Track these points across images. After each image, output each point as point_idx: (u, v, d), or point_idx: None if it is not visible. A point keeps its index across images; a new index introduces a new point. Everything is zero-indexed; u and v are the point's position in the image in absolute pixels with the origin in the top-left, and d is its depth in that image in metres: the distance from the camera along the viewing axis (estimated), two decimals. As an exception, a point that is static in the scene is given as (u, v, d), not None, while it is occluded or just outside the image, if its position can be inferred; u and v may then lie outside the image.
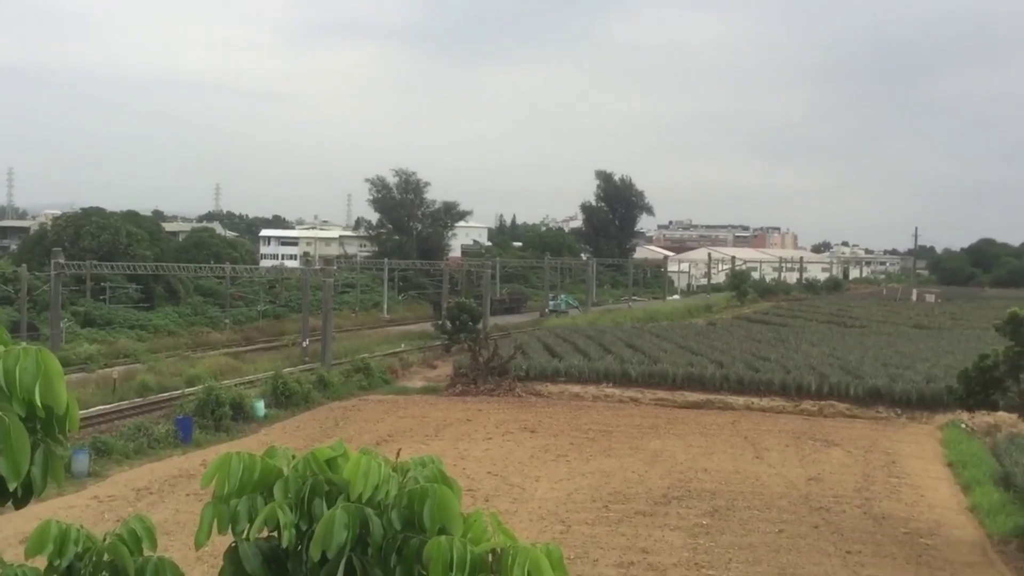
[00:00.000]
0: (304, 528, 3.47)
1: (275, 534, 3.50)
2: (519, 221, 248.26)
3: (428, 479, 3.67)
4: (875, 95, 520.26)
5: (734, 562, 20.82)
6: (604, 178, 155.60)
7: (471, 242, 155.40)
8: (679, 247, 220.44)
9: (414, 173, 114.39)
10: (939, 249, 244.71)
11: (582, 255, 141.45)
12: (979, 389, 24.36)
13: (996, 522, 24.15)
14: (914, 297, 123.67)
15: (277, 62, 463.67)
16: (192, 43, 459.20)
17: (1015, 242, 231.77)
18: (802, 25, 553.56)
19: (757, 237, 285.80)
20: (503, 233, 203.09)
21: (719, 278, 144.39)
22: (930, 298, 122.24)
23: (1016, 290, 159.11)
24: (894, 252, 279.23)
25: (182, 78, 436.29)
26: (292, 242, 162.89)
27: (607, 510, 24.83)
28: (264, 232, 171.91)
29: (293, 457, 3.73)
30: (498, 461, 30.32)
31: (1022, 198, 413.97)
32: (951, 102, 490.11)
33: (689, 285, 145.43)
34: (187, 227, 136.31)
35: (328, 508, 3.46)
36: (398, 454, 4.03)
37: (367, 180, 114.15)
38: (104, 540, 3.53)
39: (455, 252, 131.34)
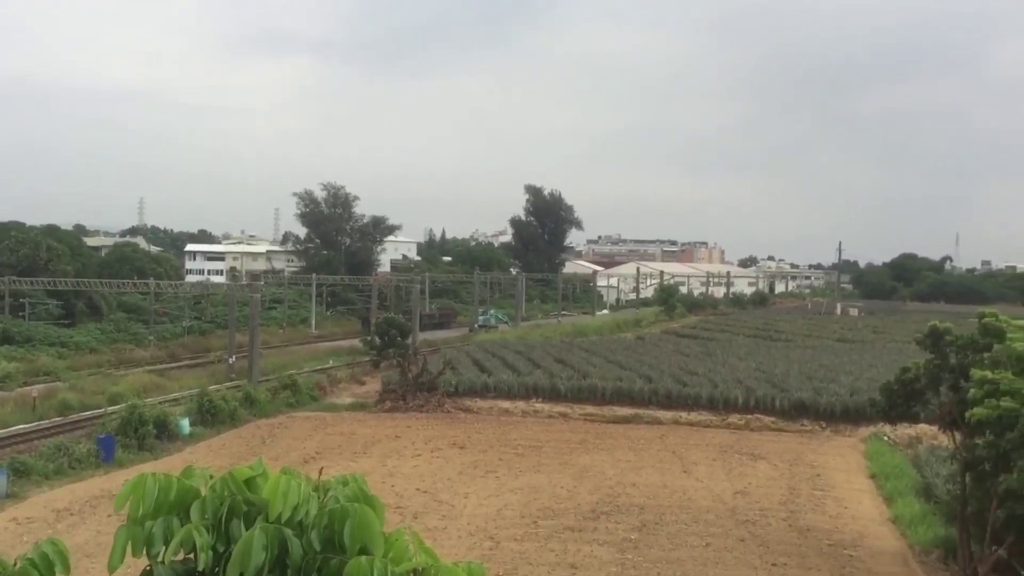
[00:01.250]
0: (222, 550, 3.41)
1: (191, 556, 3.44)
2: (448, 235, 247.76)
3: (349, 498, 3.63)
4: (802, 110, 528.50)
5: (662, 576, 20.95)
6: (534, 192, 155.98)
7: (400, 257, 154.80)
8: (608, 262, 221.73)
9: (343, 187, 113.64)
10: (862, 264, 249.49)
11: (512, 270, 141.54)
12: (901, 402, 24.76)
13: (917, 533, 24.62)
14: (838, 311, 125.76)
15: (204, 73, 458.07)
16: (116, 53, 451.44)
17: (935, 256, 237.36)
18: (731, 40, 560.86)
19: (685, 251, 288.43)
20: (432, 248, 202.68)
21: (648, 292, 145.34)
22: (853, 312, 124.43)
23: (936, 304, 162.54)
24: (819, 266, 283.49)
25: (104, 88, 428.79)
26: (218, 257, 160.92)
27: (536, 526, 24.84)
28: (189, 247, 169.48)
29: (211, 477, 3.66)
30: (427, 478, 30.19)
31: (942, 213, 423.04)
32: (875, 117, 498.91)
33: (618, 299, 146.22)
34: (110, 242, 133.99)
35: (246, 529, 3.41)
36: (320, 473, 3.99)
37: (295, 194, 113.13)
38: (15, 564, 3.44)
39: (384, 267, 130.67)
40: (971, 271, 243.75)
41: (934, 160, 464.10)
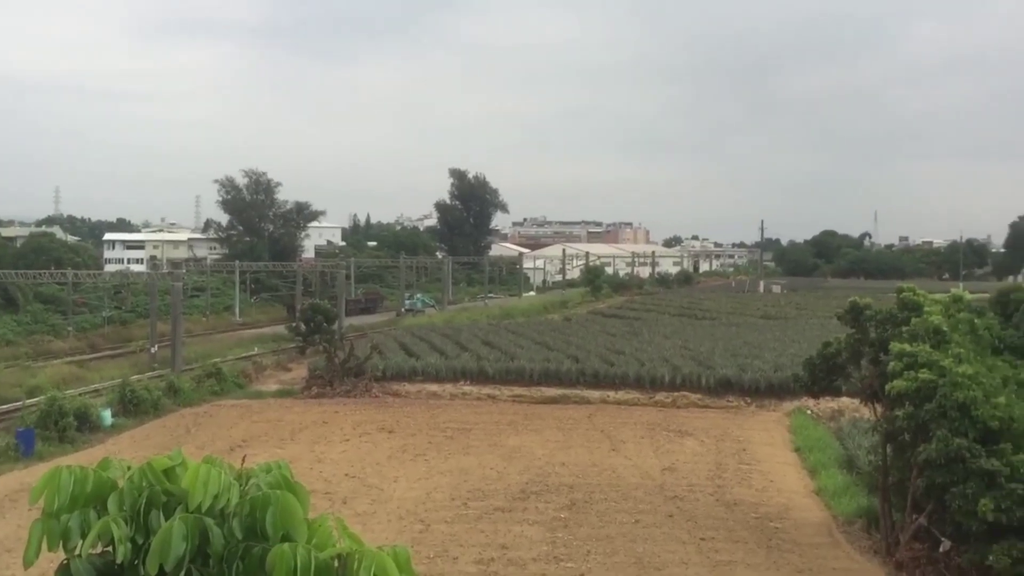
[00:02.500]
0: (141, 542, 3.35)
1: (110, 549, 3.37)
2: (374, 221, 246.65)
3: (271, 485, 3.60)
4: (726, 93, 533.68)
5: (592, 553, 21.11)
6: (458, 176, 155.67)
7: (325, 243, 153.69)
8: (534, 244, 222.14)
9: (264, 173, 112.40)
10: (784, 241, 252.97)
11: (437, 254, 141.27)
12: (823, 376, 25.19)
13: (840, 503, 25.11)
14: (761, 288, 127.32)
15: (122, 60, 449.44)
16: (31, 39, 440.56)
17: (855, 233, 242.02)
18: (657, 24, 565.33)
19: (610, 232, 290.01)
20: (357, 233, 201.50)
21: (574, 274, 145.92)
22: (776, 289, 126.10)
23: (856, 280, 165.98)
24: (742, 245, 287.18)
25: (19, 76, 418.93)
26: (138, 246, 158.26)
27: (466, 507, 24.87)
28: (108, 236, 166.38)
29: (129, 468, 3.60)
30: (356, 463, 30.06)
31: (861, 192, 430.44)
32: (797, 100, 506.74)
33: (544, 281, 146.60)
34: (25, 232, 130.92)
35: (166, 520, 3.35)
36: (243, 461, 3.94)
37: (216, 181, 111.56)
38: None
39: (308, 253, 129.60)
40: (889, 247, 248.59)
41: (853, 141, 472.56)
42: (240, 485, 3.56)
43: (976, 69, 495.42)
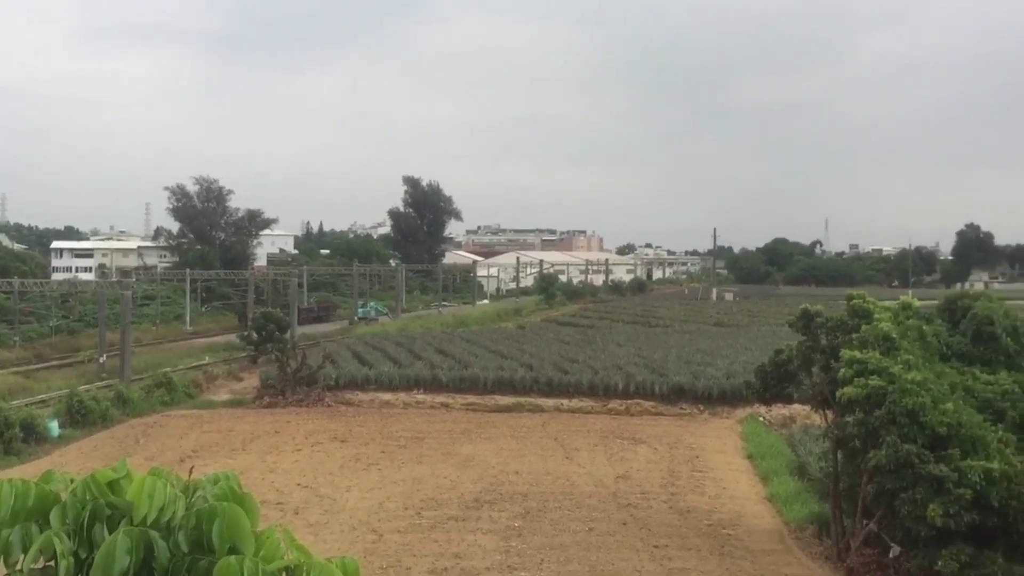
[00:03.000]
0: (84, 556, 3.30)
1: (52, 564, 3.32)
2: (327, 229, 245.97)
3: (219, 497, 3.55)
4: (680, 101, 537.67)
5: (546, 562, 21.11)
6: (412, 184, 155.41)
7: (277, 251, 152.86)
8: (488, 252, 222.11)
9: (216, 181, 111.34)
10: (736, 249, 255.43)
11: (391, 261, 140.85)
12: (775, 383, 25.40)
13: (792, 510, 25.31)
14: (714, 296, 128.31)
15: (70, 65, 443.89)
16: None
17: (806, 241, 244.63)
18: (612, 32, 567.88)
19: (564, 240, 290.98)
20: (310, 241, 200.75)
21: (528, 282, 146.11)
22: (729, 297, 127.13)
23: (807, 287, 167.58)
24: (695, 253, 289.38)
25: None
26: (87, 254, 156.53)
27: (419, 517, 24.78)
28: (56, 244, 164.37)
29: (72, 481, 3.54)
30: (308, 472, 29.86)
31: (813, 200, 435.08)
32: (749, 108, 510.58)
33: (498, 289, 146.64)
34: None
35: (110, 533, 3.30)
36: (190, 472, 3.89)
37: (166, 188, 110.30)
38: None
39: (261, 261, 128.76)
40: (840, 255, 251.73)
41: (804, 149, 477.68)
42: (187, 497, 3.52)
43: (924, 77, 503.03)
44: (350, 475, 29.67)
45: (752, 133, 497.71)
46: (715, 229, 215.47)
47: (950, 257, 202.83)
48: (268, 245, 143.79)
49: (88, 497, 3.42)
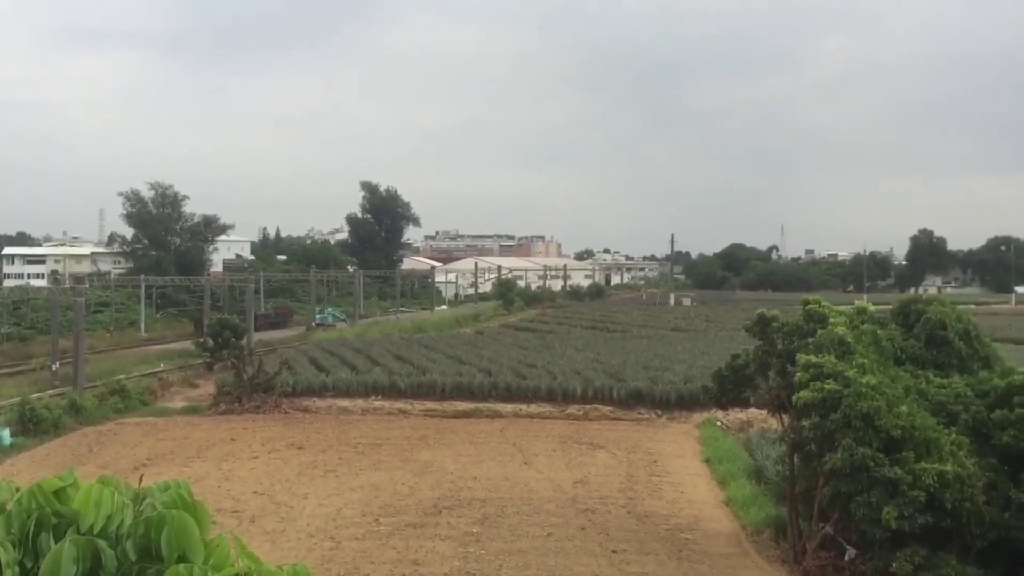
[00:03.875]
0: (29, 566, 3.24)
1: (-3, 574, 3.25)
2: (284, 234, 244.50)
3: (168, 505, 3.50)
4: (637, 105, 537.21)
5: (505, 568, 21.09)
6: (370, 189, 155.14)
7: (234, 257, 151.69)
8: (446, 257, 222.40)
9: (171, 186, 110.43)
10: (694, 254, 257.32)
11: (349, 267, 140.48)
12: (732, 388, 25.54)
13: (749, 514, 25.46)
14: (671, 301, 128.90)
15: (17, 69, 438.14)
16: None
17: (763, 246, 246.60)
18: (567, 36, 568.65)
19: (523, 246, 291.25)
20: (267, 247, 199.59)
21: (486, 287, 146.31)
22: (686, 302, 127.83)
23: (764, 292, 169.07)
24: (653, 258, 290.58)
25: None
26: (39, 260, 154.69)
27: (377, 524, 24.69)
28: (7, 250, 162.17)
29: (17, 490, 3.48)
30: (264, 480, 29.67)
31: (769, 204, 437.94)
32: (705, 112, 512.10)
33: (456, 295, 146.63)
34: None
35: (56, 542, 3.24)
36: (140, 480, 3.84)
37: (120, 194, 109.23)
38: None
39: (217, 267, 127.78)
40: (796, 260, 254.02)
41: (760, 153, 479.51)
42: (136, 505, 3.46)
43: (880, 82, 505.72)
44: (307, 482, 29.51)
45: (708, 138, 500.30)
46: (672, 234, 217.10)
47: (904, 262, 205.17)
48: (224, 251, 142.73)
49: (34, 506, 3.36)
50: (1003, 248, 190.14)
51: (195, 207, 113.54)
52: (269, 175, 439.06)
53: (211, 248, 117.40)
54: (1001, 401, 20.01)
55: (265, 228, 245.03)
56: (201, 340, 59.56)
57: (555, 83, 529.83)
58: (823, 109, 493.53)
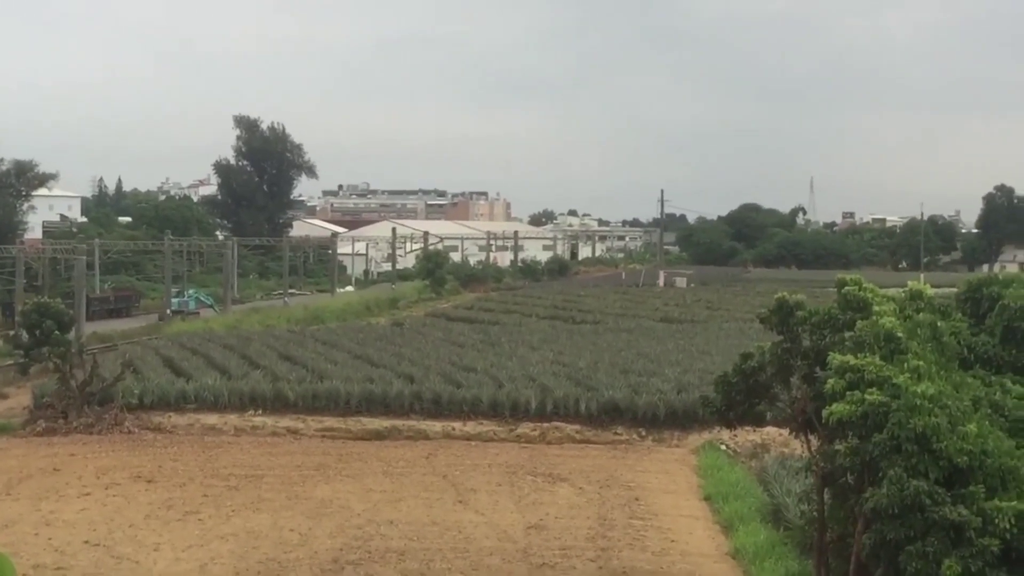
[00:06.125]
0: None
1: None
2: (128, 188, 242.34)
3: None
4: (618, 18, 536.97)
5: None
6: (247, 126, 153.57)
7: (58, 218, 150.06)
8: (354, 220, 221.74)
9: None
10: (692, 219, 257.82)
11: (219, 233, 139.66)
12: (741, 399, 25.63)
13: (764, 569, 25.67)
14: (661, 281, 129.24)
15: None
16: None
17: (785, 208, 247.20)
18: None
19: (457, 206, 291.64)
20: (105, 205, 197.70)
21: (408, 261, 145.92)
22: (681, 282, 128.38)
23: (786, 270, 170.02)
24: (636, 223, 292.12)
25: None
26: None
27: (257, 586, 24.67)
28: None
29: None
30: (100, 525, 29.49)
31: (793, 151, 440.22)
32: (707, 28, 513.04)
33: (367, 272, 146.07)
34: None
35: None
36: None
37: None
38: None
39: (35, 233, 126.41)
40: (830, 227, 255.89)
41: (783, 83, 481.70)
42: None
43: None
44: (159, 528, 29.37)
45: (714, 62, 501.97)
46: (663, 192, 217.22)
47: (975, 230, 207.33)
48: (45, 210, 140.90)
49: None
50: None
51: (4, 151, 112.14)
52: (110, 109, 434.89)
53: (26, 206, 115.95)
54: (1102, 417, 20.27)
55: (102, 180, 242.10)
56: (12, 333, 59.05)
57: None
58: (868, 18, 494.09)
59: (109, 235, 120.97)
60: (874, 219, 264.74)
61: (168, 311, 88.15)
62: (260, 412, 44.50)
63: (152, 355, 54.39)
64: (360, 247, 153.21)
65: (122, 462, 37.84)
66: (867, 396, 19.32)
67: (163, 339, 64.84)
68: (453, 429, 42.79)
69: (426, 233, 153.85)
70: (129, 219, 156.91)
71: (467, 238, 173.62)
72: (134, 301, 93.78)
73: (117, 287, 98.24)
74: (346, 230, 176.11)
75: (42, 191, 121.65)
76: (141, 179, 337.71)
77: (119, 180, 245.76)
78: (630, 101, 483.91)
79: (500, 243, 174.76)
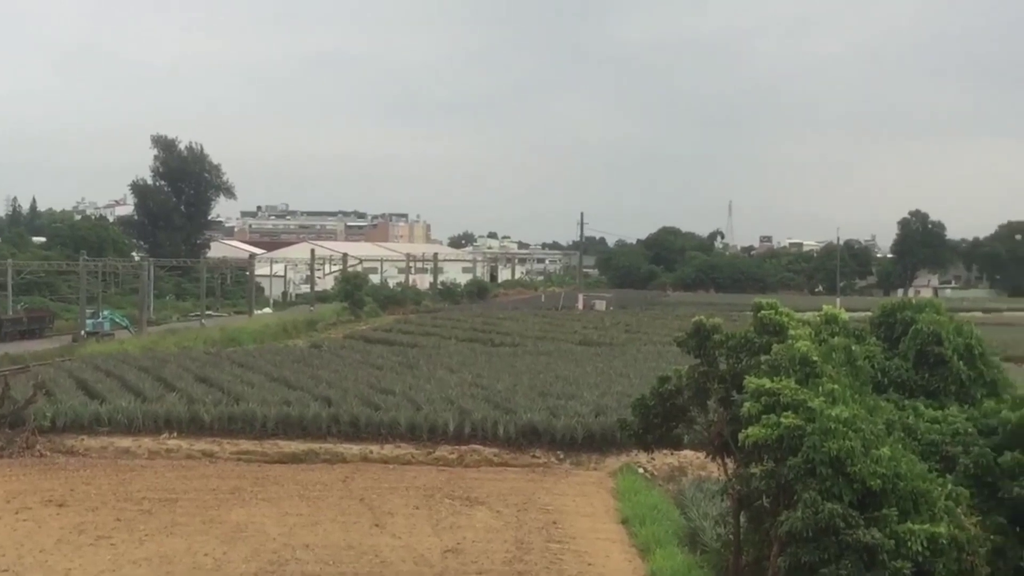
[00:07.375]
0: None
1: None
2: (42, 207, 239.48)
3: None
4: (536, 40, 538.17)
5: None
6: (164, 146, 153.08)
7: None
8: (272, 242, 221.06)
9: None
10: (611, 242, 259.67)
11: (135, 254, 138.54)
12: (659, 422, 25.74)
13: (681, 593, 25.73)
14: (580, 305, 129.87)
15: None
16: None
17: (703, 232, 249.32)
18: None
19: (377, 228, 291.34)
20: (18, 224, 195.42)
21: (327, 283, 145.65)
22: (600, 305, 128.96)
23: (704, 293, 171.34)
24: (555, 246, 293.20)
25: None
26: None
27: (169, 611, 24.41)
28: None
29: None
30: (9, 551, 29.05)
31: (712, 175, 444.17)
32: (625, 51, 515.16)
33: (286, 294, 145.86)
34: None
35: None
36: None
37: None
38: None
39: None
40: (747, 251, 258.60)
41: (702, 108, 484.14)
42: None
43: (862, 10, 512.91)
44: (71, 553, 28.98)
45: (635, 86, 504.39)
46: (582, 215, 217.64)
47: (889, 255, 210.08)
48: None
49: None
50: (1018, 237, 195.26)
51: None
52: (24, 125, 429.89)
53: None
54: (1012, 440, 20.54)
55: (16, 199, 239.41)
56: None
57: (429, 8, 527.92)
58: (788, 45, 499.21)
59: (23, 255, 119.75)
60: (791, 243, 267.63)
61: (83, 332, 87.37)
62: (175, 435, 44.10)
63: (65, 377, 53.72)
64: (278, 268, 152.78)
65: (33, 486, 37.32)
66: (783, 419, 19.46)
67: (77, 361, 64.08)
68: (371, 452, 42.64)
69: (345, 255, 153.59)
70: (43, 239, 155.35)
71: (386, 260, 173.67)
72: (48, 322, 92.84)
73: (30, 308, 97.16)
74: (264, 251, 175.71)
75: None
76: (56, 198, 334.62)
77: (33, 199, 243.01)
78: (551, 124, 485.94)
79: (420, 265, 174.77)
